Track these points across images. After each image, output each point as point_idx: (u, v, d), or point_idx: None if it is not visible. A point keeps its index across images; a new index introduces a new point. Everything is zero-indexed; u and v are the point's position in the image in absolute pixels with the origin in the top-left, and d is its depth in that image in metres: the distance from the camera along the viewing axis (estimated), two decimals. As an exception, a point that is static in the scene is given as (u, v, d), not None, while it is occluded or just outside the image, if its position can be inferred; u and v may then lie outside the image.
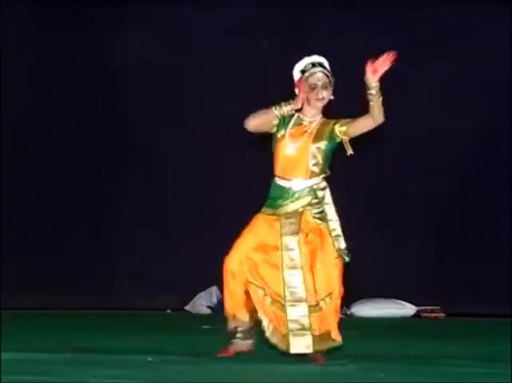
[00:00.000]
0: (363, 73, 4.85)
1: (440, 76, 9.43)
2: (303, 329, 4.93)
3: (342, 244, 5.05)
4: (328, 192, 5.08)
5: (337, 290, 5.01)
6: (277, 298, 4.99)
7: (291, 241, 4.97)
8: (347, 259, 5.02)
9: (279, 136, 5.06)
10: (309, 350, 4.96)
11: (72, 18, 9.73)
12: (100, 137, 9.74)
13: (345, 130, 4.98)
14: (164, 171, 9.89)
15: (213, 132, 9.60)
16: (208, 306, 9.52)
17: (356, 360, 5.03)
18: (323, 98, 5.01)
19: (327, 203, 5.06)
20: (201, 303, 9.58)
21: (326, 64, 5.10)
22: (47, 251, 9.56)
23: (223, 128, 9.17)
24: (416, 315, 9.34)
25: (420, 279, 9.45)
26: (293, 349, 4.95)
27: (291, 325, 4.93)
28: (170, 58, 9.69)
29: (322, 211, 5.03)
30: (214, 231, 9.54)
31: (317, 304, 4.98)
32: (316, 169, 5.03)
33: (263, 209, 5.13)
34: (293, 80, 5.15)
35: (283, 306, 4.97)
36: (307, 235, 4.99)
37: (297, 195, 5.02)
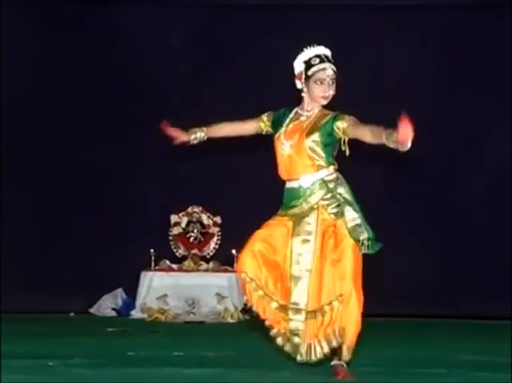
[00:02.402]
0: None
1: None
2: (298, 337, 4.67)
3: (363, 235, 4.69)
4: (342, 183, 4.79)
5: (351, 290, 4.63)
6: (283, 302, 4.74)
7: (303, 243, 4.71)
8: (367, 251, 4.67)
9: (276, 137, 4.87)
10: (302, 359, 4.69)
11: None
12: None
13: (345, 128, 4.69)
14: (68, 171, 9.77)
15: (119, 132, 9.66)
16: (113, 309, 9.46)
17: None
18: (329, 96, 4.77)
19: (341, 194, 4.76)
20: (106, 306, 9.50)
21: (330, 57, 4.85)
22: None
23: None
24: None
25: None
26: (299, 358, 4.69)
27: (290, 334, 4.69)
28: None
29: (338, 206, 4.74)
30: (119, 232, 9.58)
31: (321, 308, 4.66)
32: (320, 161, 4.74)
33: (279, 211, 4.87)
34: (292, 71, 4.89)
35: (287, 309, 4.71)
36: (323, 236, 4.72)
37: (308, 192, 4.75)
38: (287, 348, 4.70)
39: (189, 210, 9.52)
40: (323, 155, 4.74)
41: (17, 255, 9.43)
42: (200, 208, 9.53)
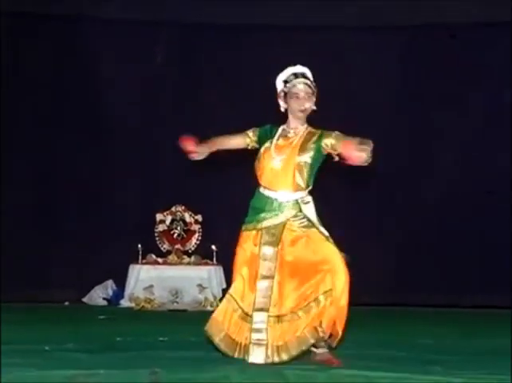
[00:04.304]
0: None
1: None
2: (261, 339, 4.70)
3: None
4: (312, 206, 4.89)
5: (344, 287, 4.71)
6: (247, 310, 4.78)
7: (268, 251, 4.80)
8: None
9: (263, 149, 4.93)
10: (266, 361, 4.69)
11: None
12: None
13: (334, 144, 4.83)
14: (61, 171, 10.03)
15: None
16: (104, 298, 9.78)
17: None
18: (305, 109, 4.91)
19: (309, 217, 4.86)
20: (97, 295, 9.80)
21: (309, 74, 4.99)
22: None
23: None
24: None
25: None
26: (252, 359, 4.71)
27: (253, 335, 4.71)
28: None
29: (307, 221, 4.85)
30: (110, 229, 9.91)
31: (287, 314, 4.72)
32: (301, 182, 4.85)
33: (245, 225, 4.92)
34: (275, 90, 5.04)
35: (248, 315, 4.76)
36: (293, 244, 4.80)
37: (281, 208, 4.84)
38: (223, 347, 4.80)
39: (173, 209, 9.76)
40: (306, 177, 4.84)
41: (17, 251, 9.64)
42: (183, 207, 9.75)
